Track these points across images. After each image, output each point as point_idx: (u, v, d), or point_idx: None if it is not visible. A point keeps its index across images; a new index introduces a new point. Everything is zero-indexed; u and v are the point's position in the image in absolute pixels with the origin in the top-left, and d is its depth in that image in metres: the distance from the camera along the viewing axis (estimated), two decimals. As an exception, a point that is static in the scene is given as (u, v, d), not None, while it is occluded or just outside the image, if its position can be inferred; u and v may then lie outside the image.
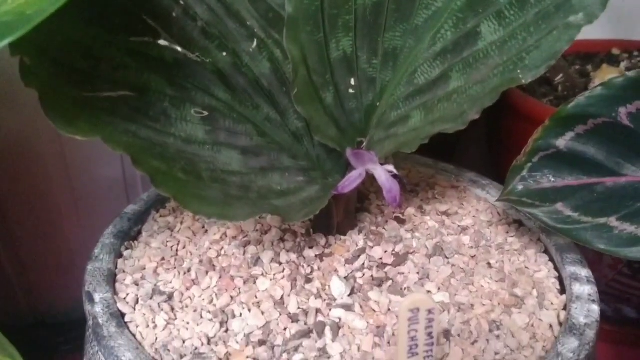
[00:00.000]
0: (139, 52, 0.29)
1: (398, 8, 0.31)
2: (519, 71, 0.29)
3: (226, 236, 0.36)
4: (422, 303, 0.23)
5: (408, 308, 0.23)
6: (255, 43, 0.32)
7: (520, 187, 0.34)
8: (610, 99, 0.32)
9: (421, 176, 0.44)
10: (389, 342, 0.29)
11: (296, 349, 0.29)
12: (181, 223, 0.38)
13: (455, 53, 0.31)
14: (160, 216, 0.39)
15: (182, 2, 0.30)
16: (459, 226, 0.38)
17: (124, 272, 0.34)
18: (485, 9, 0.30)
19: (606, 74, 0.58)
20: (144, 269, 0.34)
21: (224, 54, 0.31)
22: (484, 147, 0.64)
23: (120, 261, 0.35)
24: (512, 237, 0.38)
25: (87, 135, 0.24)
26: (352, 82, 0.31)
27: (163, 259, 0.35)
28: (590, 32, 0.67)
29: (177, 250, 0.36)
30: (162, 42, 0.29)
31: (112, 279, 0.33)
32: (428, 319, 0.24)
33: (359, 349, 0.29)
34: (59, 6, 0.20)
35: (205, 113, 0.30)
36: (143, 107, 0.28)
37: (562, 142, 0.33)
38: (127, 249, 0.36)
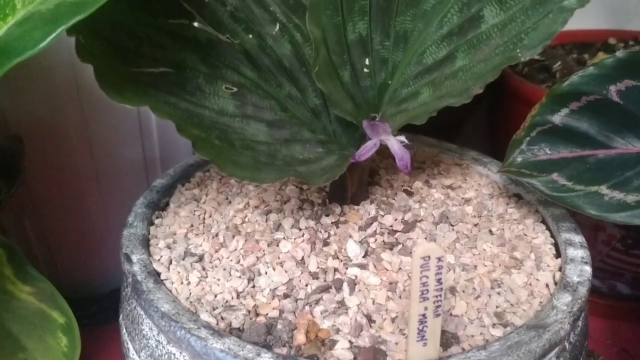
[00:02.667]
0: (176, 33, 0.32)
1: (408, -6, 0.34)
2: (518, 50, 0.32)
3: (249, 205, 0.39)
4: (432, 251, 0.27)
5: (420, 255, 0.27)
6: (277, 27, 0.36)
7: (519, 159, 0.38)
8: (601, 77, 0.36)
9: (426, 155, 0.48)
10: (400, 296, 0.33)
11: (317, 302, 0.32)
12: (206, 195, 0.41)
13: (460, 35, 0.34)
14: (186, 189, 0.43)
15: (213, -12, 0.34)
16: (462, 198, 0.42)
17: (156, 237, 0.38)
18: (488, -5, 0.34)
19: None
20: (175, 234, 0.38)
21: (250, 36, 0.35)
22: (485, 132, 0.68)
23: (152, 228, 0.38)
24: (511, 208, 0.41)
25: (135, 104, 0.28)
26: (367, 62, 0.35)
27: (192, 225, 0.38)
28: (588, 22, 0.71)
29: (204, 218, 0.39)
30: (196, 24, 0.33)
31: (146, 243, 0.37)
32: (438, 266, 0.27)
33: (373, 301, 0.33)
34: (120, -11, 0.24)
35: (235, 89, 0.33)
36: (181, 82, 0.31)
37: (558, 118, 0.37)
38: (157, 217, 0.40)
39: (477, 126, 0.70)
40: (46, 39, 0.23)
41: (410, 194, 0.41)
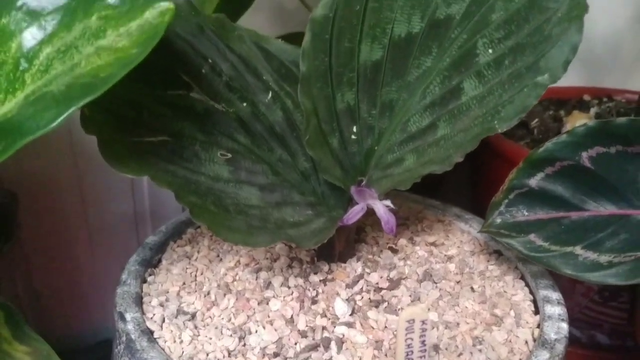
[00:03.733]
0: (175, 103, 0.34)
1: (393, 67, 0.37)
2: (495, 122, 0.35)
3: (240, 263, 0.41)
4: (417, 315, 0.29)
5: (405, 319, 0.28)
6: (270, 95, 0.38)
7: (498, 221, 0.40)
8: (573, 144, 0.39)
9: (411, 211, 0.50)
10: (386, 354, 0.34)
11: (306, 360, 0.34)
12: (198, 252, 0.43)
13: (442, 106, 0.37)
14: (178, 246, 0.44)
15: (210, 60, 0.36)
16: (445, 255, 0.44)
17: (149, 295, 0.39)
18: (467, 69, 0.37)
19: (577, 119, 0.65)
20: (168, 292, 0.39)
21: (244, 104, 0.37)
22: (467, 186, 0.70)
23: (145, 286, 0.40)
24: (492, 265, 0.43)
25: (137, 174, 0.29)
26: (355, 129, 0.37)
27: (184, 283, 0.40)
28: (563, 80, 0.75)
29: (195, 276, 0.41)
30: (193, 94, 0.35)
31: (139, 301, 0.38)
32: (422, 328, 0.29)
33: (360, 360, 0.34)
34: (127, 71, 0.26)
35: (229, 155, 0.35)
36: (179, 150, 0.33)
37: (534, 182, 0.39)
38: (150, 275, 0.41)
39: (460, 180, 0.72)
40: (58, 119, 0.25)
41: (395, 251, 0.43)
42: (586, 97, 0.75)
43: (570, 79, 0.76)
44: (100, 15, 0.29)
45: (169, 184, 0.30)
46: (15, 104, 0.29)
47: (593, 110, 0.71)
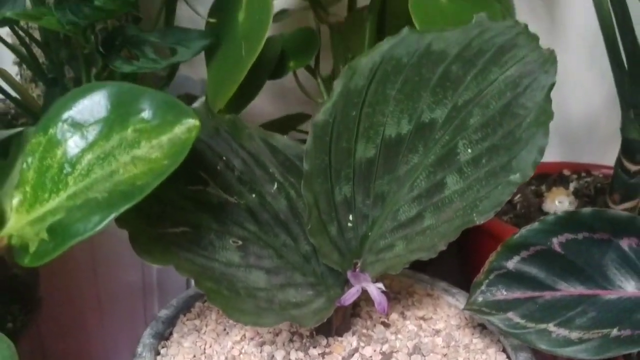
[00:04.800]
0: (194, 197, 0.39)
1: (385, 163, 0.43)
2: (474, 215, 0.40)
3: (245, 337, 0.45)
4: (406, 391, 0.33)
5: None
6: (275, 185, 0.43)
7: (480, 299, 0.45)
8: (545, 231, 0.44)
9: (402, 285, 0.54)
10: None
11: None
12: (206, 325, 0.47)
13: (428, 198, 0.42)
14: (188, 319, 0.48)
15: (224, 158, 0.41)
16: (433, 329, 0.48)
17: (163, 367, 0.43)
18: (449, 166, 0.42)
19: (556, 196, 0.70)
20: (180, 364, 0.43)
21: (253, 195, 0.42)
22: (455, 256, 0.75)
23: (158, 358, 0.44)
24: (476, 338, 0.48)
25: (162, 263, 0.34)
26: (351, 217, 0.42)
27: (194, 356, 0.44)
28: (545, 155, 0.81)
29: (205, 349, 0.45)
30: (210, 189, 0.40)
31: (154, 373, 0.42)
32: (410, 403, 0.33)
33: None
34: (160, 181, 0.31)
35: (240, 242, 0.40)
36: (196, 239, 0.38)
37: (511, 264, 0.44)
38: (163, 347, 0.45)
39: (450, 253, 0.77)
40: (102, 223, 0.30)
41: (387, 325, 0.48)
42: (566, 172, 0.80)
43: (550, 155, 0.83)
44: (135, 128, 0.34)
45: (190, 271, 0.35)
46: (59, 203, 0.34)
47: (572, 185, 0.77)
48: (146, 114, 0.34)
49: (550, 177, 0.80)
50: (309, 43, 0.60)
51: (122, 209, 0.30)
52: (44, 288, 0.57)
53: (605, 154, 0.85)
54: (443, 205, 0.41)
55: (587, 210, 0.44)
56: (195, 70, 0.74)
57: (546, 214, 0.70)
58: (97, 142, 0.34)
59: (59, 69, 0.60)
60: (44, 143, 0.35)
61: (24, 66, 0.70)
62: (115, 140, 0.34)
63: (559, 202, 0.70)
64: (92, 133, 0.35)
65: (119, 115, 0.35)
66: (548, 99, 0.42)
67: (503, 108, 0.42)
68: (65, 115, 0.35)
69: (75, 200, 0.32)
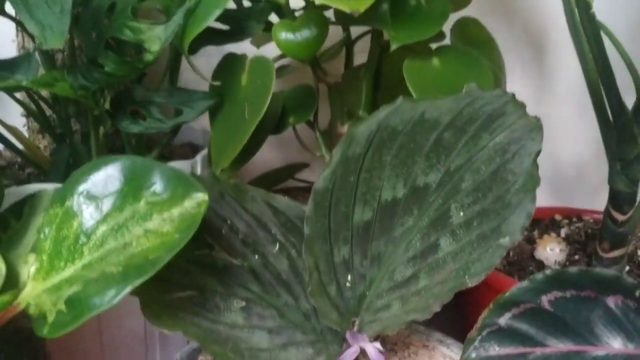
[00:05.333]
0: (200, 261, 0.42)
1: (381, 225, 0.45)
2: (467, 277, 0.42)
3: (248, 392, 0.47)
4: None
5: None
6: (277, 246, 0.46)
7: (473, 355, 0.47)
8: (534, 290, 0.46)
9: (399, 336, 0.56)
10: None
11: None
12: (209, 379, 0.49)
13: (423, 259, 0.44)
14: (191, 372, 0.50)
15: (229, 222, 0.44)
16: (429, 382, 0.50)
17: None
18: (443, 228, 0.45)
19: (548, 243, 0.73)
20: (185, 420, 0.45)
21: (256, 256, 0.44)
22: (453, 305, 0.77)
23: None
24: (470, 391, 0.50)
25: (171, 329, 0.36)
26: (349, 278, 0.44)
27: (199, 411, 0.46)
28: (537, 200, 0.83)
29: (209, 403, 0.47)
30: (215, 252, 0.42)
31: None
32: None
33: None
34: (172, 255, 0.33)
35: (244, 303, 0.42)
36: (202, 303, 0.40)
37: (503, 321, 0.47)
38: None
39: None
40: (118, 297, 0.32)
41: (384, 379, 0.50)
42: (557, 217, 0.83)
43: (542, 199, 0.85)
44: (147, 201, 0.37)
45: (196, 335, 0.37)
46: (75, 271, 0.36)
47: (563, 231, 0.79)
48: (157, 188, 0.37)
49: (543, 222, 0.82)
50: (308, 100, 0.63)
51: (137, 283, 0.33)
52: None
53: (595, 198, 0.87)
54: (437, 266, 0.44)
55: (574, 269, 0.46)
56: (197, 119, 0.77)
57: (538, 261, 0.73)
58: (111, 213, 0.37)
59: (66, 124, 0.62)
60: (60, 215, 0.37)
61: (32, 117, 0.72)
62: (129, 212, 0.37)
63: (550, 250, 0.72)
64: (106, 205, 0.37)
65: (132, 188, 0.37)
66: (535, 165, 0.45)
67: (493, 173, 0.45)
68: (81, 188, 0.38)
69: (91, 270, 0.35)
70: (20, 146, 0.65)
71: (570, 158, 0.89)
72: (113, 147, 0.67)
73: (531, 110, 0.87)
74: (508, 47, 0.82)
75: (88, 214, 0.37)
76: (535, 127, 0.45)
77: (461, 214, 0.45)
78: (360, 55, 0.69)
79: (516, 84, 0.84)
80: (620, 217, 0.68)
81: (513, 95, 0.47)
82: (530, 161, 0.45)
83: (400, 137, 0.45)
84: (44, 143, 0.73)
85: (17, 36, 0.72)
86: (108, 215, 0.37)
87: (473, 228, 0.44)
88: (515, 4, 0.82)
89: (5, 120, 0.66)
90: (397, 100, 0.46)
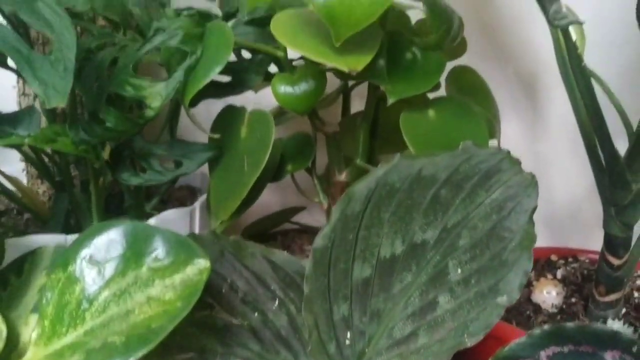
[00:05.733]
0: (200, 322, 0.42)
1: (380, 282, 0.46)
2: (465, 336, 0.43)
3: None
4: None
5: None
6: (277, 302, 0.46)
7: (473, 410, 0.47)
8: (533, 345, 0.47)
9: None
10: None
11: None
12: None
13: (422, 316, 0.45)
14: None
15: (229, 280, 0.44)
16: None
17: None
18: (441, 285, 0.45)
19: (544, 286, 0.73)
20: None
21: (256, 314, 0.45)
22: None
23: None
24: None
25: (172, 395, 0.37)
26: (348, 335, 0.45)
27: None
28: (532, 240, 0.84)
29: None
30: (215, 312, 0.43)
31: None
32: None
33: None
34: (175, 325, 0.34)
35: (244, 363, 0.43)
36: (203, 364, 0.41)
37: (502, 376, 0.47)
38: None
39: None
40: (121, 370, 0.32)
41: None
42: (553, 257, 0.84)
43: (538, 239, 0.86)
44: (149, 267, 0.37)
45: (197, 400, 0.37)
46: (76, 337, 0.36)
47: (560, 272, 0.80)
48: (159, 253, 0.37)
49: (539, 262, 0.83)
50: (306, 148, 0.64)
51: (139, 355, 0.33)
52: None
53: (590, 236, 0.88)
54: (436, 324, 0.44)
55: (571, 325, 0.46)
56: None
57: (535, 304, 0.73)
58: (114, 279, 0.37)
59: (65, 172, 0.63)
60: (63, 280, 0.38)
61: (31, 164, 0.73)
62: (131, 277, 0.37)
63: (547, 293, 0.73)
64: (108, 270, 0.38)
65: (134, 253, 0.38)
66: (531, 222, 0.46)
67: (490, 230, 0.46)
68: (84, 252, 0.38)
69: (93, 337, 0.35)
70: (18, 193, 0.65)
71: (565, 196, 0.90)
72: (112, 192, 0.68)
73: (525, 149, 0.88)
74: (501, 89, 0.84)
75: (90, 279, 0.38)
76: (531, 183, 0.46)
77: (459, 271, 0.45)
78: (357, 99, 0.71)
79: (510, 123, 0.86)
80: (615, 262, 0.69)
81: (508, 152, 0.48)
82: (526, 218, 0.45)
83: (398, 195, 0.46)
84: (42, 188, 0.74)
85: (17, 82, 0.73)
86: (110, 281, 0.37)
87: (471, 286, 0.44)
88: (508, 49, 0.83)
89: (4, 165, 0.67)
90: (394, 157, 0.47)
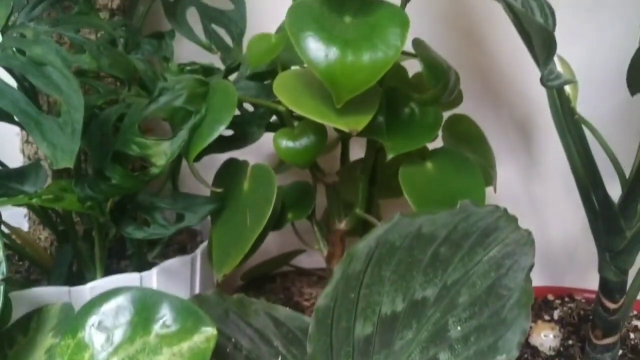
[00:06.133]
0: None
1: (382, 339, 0.47)
2: (466, 396, 0.44)
3: None
4: None
5: None
6: (279, 359, 0.47)
7: None
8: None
9: None
10: None
11: None
12: None
13: (423, 373, 0.46)
14: None
15: (233, 340, 0.45)
16: None
17: None
18: (441, 342, 0.46)
19: (542, 329, 0.74)
20: None
21: (259, 375, 0.46)
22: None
23: None
24: None
25: None
26: (351, 392, 0.46)
27: None
28: (529, 280, 0.85)
29: None
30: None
31: None
32: None
33: None
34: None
35: None
36: None
37: None
38: None
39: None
40: None
41: None
42: (550, 297, 0.85)
43: (534, 279, 0.87)
44: (157, 334, 0.38)
45: None
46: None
47: (557, 313, 0.81)
48: (167, 320, 0.38)
49: (536, 302, 0.84)
50: (306, 197, 0.65)
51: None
52: None
53: (585, 275, 0.90)
54: (437, 382, 0.45)
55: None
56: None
57: (533, 347, 0.74)
58: (122, 345, 0.38)
59: (68, 222, 0.64)
60: (72, 346, 0.38)
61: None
62: (139, 344, 0.38)
63: (544, 336, 0.74)
64: (117, 336, 0.39)
65: (142, 319, 0.39)
66: (528, 280, 0.47)
67: (488, 288, 0.47)
68: (93, 319, 0.39)
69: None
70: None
71: (561, 236, 0.92)
72: (113, 238, 0.69)
73: (521, 190, 0.90)
74: (497, 132, 0.86)
75: (99, 346, 0.38)
76: (527, 241, 0.48)
77: (459, 328, 0.46)
78: (356, 146, 0.72)
79: (506, 166, 0.87)
80: (611, 305, 0.70)
81: (505, 210, 0.49)
82: (524, 276, 0.47)
83: (399, 253, 0.47)
84: (44, 234, 0.75)
85: (21, 130, 0.74)
86: (119, 347, 0.38)
87: (470, 343, 0.45)
88: (503, 94, 0.85)
89: (6, 210, 0.68)
90: (394, 216, 0.48)
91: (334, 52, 0.47)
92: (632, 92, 0.64)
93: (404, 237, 0.48)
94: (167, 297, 0.39)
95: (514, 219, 0.49)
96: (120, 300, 0.39)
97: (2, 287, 0.43)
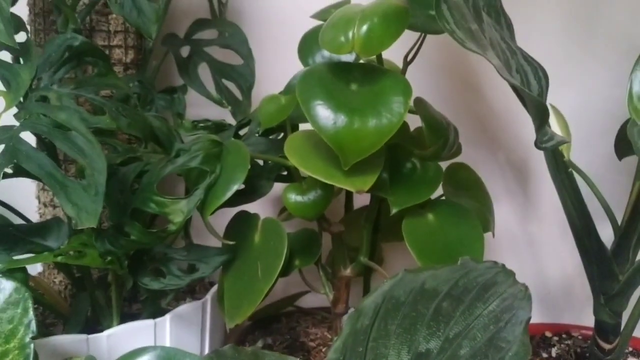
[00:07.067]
0: None
1: (388, 389, 0.50)
2: None
3: None
4: None
5: None
6: (292, 410, 0.50)
7: None
8: None
9: None
10: None
11: None
12: None
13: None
14: None
15: (248, 393, 0.48)
16: None
17: None
18: (444, 392, 0.49)
19: (539, 369, 0.77)
20: None
21: (273, 423, 0.48)
22: None
23: None
24: None
25: None
26: None
27: None
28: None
29: None
30: None
31: None
32: None
33: None
34: None
35: None
36: None
37: None
38: None
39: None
40: None
41: None
42: (548, 334, 0.88)
43: (532, 316, 0.90)
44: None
45: None
46: None
47: (554, 350, 0.84)
48: (190, 379, 0.41)
49: (534, 339, 0.87)
50: (313, 245, 0.68)
51: None
52: None
53: (581, 314, 0.92)
54: None
55: None
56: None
57: (532, 386, 0.77)
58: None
59: (85, 271, 0.67)
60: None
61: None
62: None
63: (542, 375, 0.77)
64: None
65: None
66: (526, 333, 0.50)
67: (488, 341, 0.50)
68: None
69: None
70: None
71: (557, 274, 0.95)
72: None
73: (518, 230, 0.93)
74: (494, 175, 0.90)
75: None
76: (525, 296, 0.51)
77: (461, 379, 0.49)
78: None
79: (504, 207, 0.91)
80: (606, 346, 0.73)
81: (503, 266, 0.53)
82: (522, 329, 0.50)
83: (404, 308, 0.51)
84: (59, 278, 0.77)
85: (37, 178, 0.77)
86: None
87: (472, 394, 0.48)
88: (499, 138, 0.89)
89: (21, 255, 0.71)
90: (399, 273, 0.51)
91: (342, 120, 0.51)
92: (620, 156, 0.68)
93: (409, 293, 0.51)
94: (189, 355, 0.42)
95: (511, 274, 0.53)
96: (146, 359, 0.42)
97: (32, 346, 0.45)
